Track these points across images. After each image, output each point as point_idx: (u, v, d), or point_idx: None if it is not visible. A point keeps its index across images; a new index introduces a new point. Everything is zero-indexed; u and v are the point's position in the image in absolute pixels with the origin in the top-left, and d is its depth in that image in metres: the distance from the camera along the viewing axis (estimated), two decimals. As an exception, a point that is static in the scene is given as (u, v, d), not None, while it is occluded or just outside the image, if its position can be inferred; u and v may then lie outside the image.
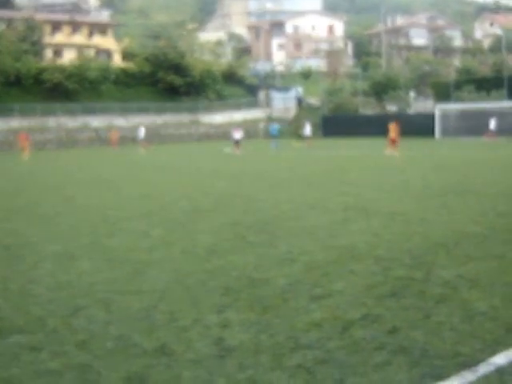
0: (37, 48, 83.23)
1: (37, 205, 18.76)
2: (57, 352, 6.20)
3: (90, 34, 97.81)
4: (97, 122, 72.41)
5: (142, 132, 56.26)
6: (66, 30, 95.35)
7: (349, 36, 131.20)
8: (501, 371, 5.36)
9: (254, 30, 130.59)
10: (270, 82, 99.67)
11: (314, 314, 7.11)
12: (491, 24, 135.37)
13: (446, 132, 58.92)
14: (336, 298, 7.72)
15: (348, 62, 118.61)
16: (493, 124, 53.94)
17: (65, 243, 12.17)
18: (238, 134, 46.80)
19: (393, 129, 38.02)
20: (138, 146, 56.48)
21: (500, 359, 5.60)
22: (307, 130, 53.72)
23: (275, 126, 53.30)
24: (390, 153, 37.02)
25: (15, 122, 66.91)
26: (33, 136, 62.76)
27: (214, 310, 7.41)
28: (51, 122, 69.27)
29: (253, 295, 7.96)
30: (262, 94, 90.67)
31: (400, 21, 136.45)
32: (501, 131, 54.05)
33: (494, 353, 5.75)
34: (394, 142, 37.76)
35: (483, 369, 5.42)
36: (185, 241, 11.97)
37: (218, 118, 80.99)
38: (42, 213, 16.92)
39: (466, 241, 10.93)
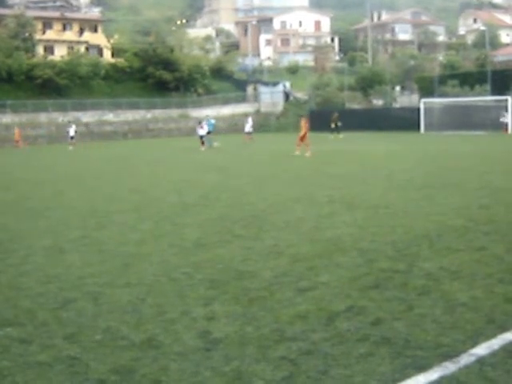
0: (28, 44, 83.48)
1: (27, 199, 18.85)
2: (46, 344, 6.26)
3: (81, 31, 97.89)
4: (87, 117, 72.65)
5: (72, 130, 55.42)
6: (57, 26, 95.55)
7: (335, 31, 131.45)
8: (482, 362, 5.42)
9: (242, 25, 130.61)
10: (257, 76, 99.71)
11: (300, 306, 7.17)
12: (474, 20, 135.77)
13: (430, 126, 58.88)
14: (321, 290, 7.78)
15: (335, 57, 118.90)
16: (505, 118, 54.11)
17: (54, 237, 12.25)
18: (201, 131, 45.32)
19: (302, 125, 34.52)
20: (67, 143, 55.62)
21: (481, 350, 5.65)
22: (249, 125, 52.78)
23: (211, 121, 50.47)
24: (299, 152, 33.62)
25: (7, 118, 67.17)
26: (24, 131, 62.90)
27: (201, 302, 7.47)
28: (42, 117, 69.79)
29: (239, 288, 8.02)
30: (250, 89, 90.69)
31: (385, 16, 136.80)
32: (484, 126, 54.27)
33: (475, 344, 5.80)
34: (303, 139, 34.32)
35: (464, 359, 5.48)
36: (173, 234, 12.06)
37: (207, 112, 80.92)
38: (32, 207, 17.01)
39: (448, 233, 11.04)
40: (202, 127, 45.59)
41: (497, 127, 53.67)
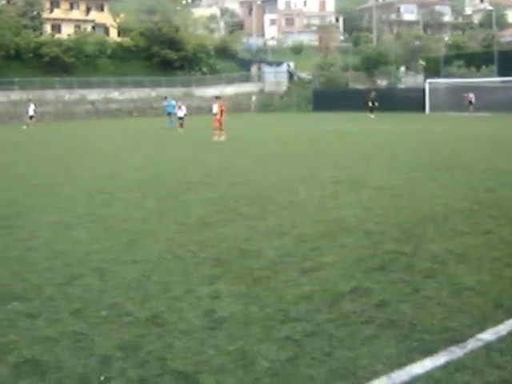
0: (36, 23, 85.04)
1: (34, 175, 18.98)
2: (53, 319, 6.29)
3: (88, 10, 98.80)
4: (93, 95, 73.14)
5: (31, 109, 54.44)
6: (64, 5, 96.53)
7: (340, 11, 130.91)
8: (489, 347, 5.37)
9: (247, 5, 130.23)
10: (262, 56, 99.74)
11: (304, 286, 7.16)
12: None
13: (435, 107, 58.78)
14: (326, 270, 7.77)
15: (339, 37, 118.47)
16: (473, 99, 54.24)
17: (61, 213, 12.34)
18: (180, 112, 42.91)
19: (218, 109, 32.93)
20: (24, 121, 54.97)
21: (488, 335, 5.60)
22: (216, 107, 50.80)
23: (171, 103, 48.52)
24: (217, 137, 32.10)
25: (15, 95, 67.64)
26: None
27: (205, 281, 7.47)
28: (49, 94, 70.54)
29: (243, 267, 8.02)
30: (254, 69, 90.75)
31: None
32: (490, 107, 54.02)
33: (482, 328, 5.75)
34: (220, 124, 32.49)
35: (471, 344, 5.42)
36: (177, 212, 12.09)
37: (211, 91, 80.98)
38: (40, 183, 17.14)
39: (454, 215, 10.98)
40: (180, 108, 43.60)
41: (504, 108, 53.46)
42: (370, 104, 55.99)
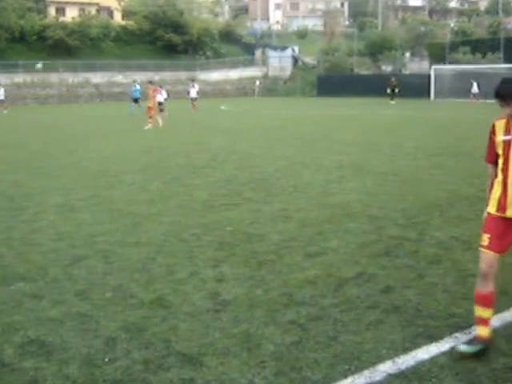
0: (40, 6, 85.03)
1: (39, 158, 19.00)
2: (57, 300, 6.32)
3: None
4: (97, 78, 73.09)
5: (0, 93, 52.84)
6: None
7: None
8: (494, 334, 5.34)
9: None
10: (266, 40, 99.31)
11: (308, 271, 7.17)
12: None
13: (440, 93, 58.54)
14: (330, 255, 7.77)
15: (344, 22, 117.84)
16: (475, 87, 54.03)
17: (66, 195, 12.40)
18: (160, 97, 34.86)
19: (150, 94, 31.17)
20: None
21: (493, 322, 5.53)
22: (194, 90, 49.22)
23: (137, 87, 46.37)
24: (151, 126, 30.00)
25: (19, 78, 67.58)
26: (35, 91, 62.95)
27: (210, 264, 7.49)
28: (53, 77, 70.27)
29: (248, 250, 8.04)
30: (258, 53, 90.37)
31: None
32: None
33: (487, 315, 5.76)
34: (150, 110, 30.59)
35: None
36: (182, 195, 12.11)
37: (215, 75, 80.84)
38: (44, 165, 17.16)
39: (459, 202, 10.97)
40: (160, 93, 35.60)
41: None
42: (389, 91, 55.64)
